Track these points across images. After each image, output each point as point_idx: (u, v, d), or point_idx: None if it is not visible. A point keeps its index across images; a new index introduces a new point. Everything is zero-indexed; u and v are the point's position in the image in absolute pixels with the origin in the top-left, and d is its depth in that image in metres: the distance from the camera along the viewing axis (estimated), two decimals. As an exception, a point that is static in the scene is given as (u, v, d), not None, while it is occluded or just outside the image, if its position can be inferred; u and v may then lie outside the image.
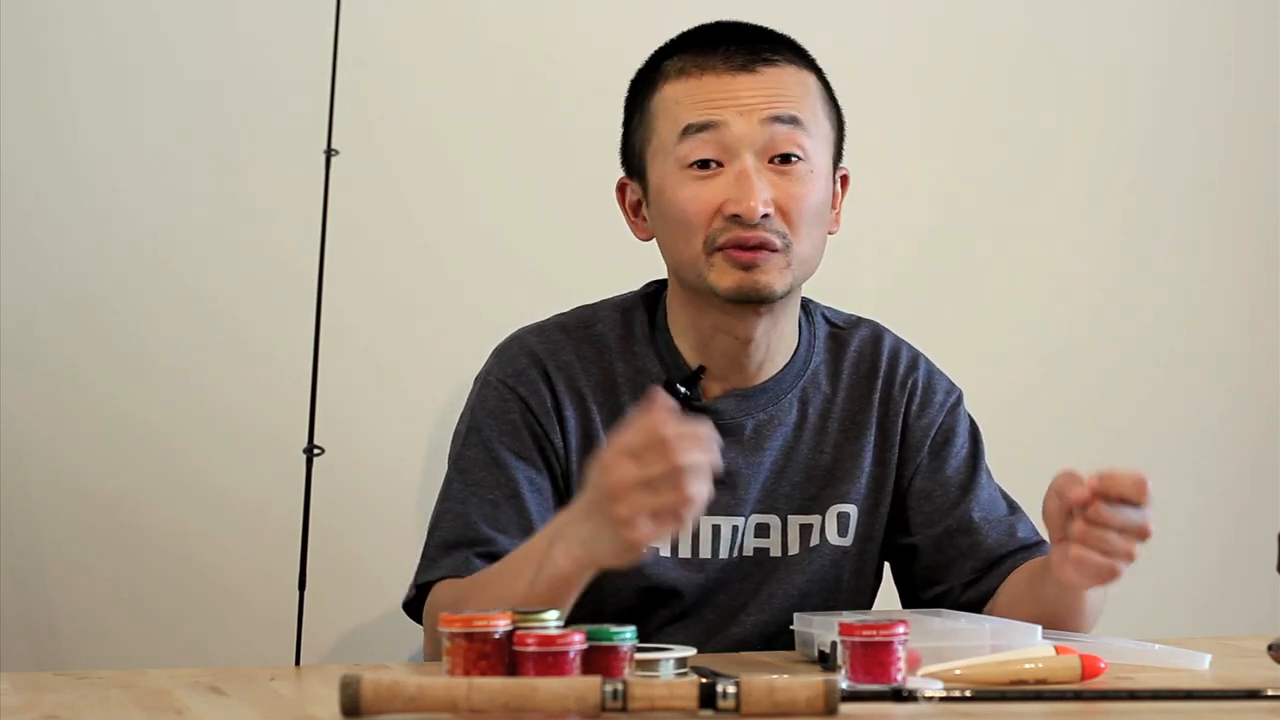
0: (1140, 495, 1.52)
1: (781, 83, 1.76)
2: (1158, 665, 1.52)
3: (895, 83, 2.65)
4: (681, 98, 1.76)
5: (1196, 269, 2.81)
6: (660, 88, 1.79)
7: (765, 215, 1.73)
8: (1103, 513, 1.53)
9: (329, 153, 2.17)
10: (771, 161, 1.75)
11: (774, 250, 1.73)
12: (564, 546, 1.51)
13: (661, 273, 1.89)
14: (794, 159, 1.75)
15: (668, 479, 1.41)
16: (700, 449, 1.42)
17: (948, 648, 1.48)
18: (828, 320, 1.92)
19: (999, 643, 1.51)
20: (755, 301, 1.76)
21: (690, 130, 1.74)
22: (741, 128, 1.73)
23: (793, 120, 1.75)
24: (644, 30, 1.94)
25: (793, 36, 1.83)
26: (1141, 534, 1.53)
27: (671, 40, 1.84)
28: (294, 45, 2.41)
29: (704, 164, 1.75)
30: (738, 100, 1.74)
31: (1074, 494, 1.53)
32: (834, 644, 1.44)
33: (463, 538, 1.76)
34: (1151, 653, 1.54)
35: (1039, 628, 1.55)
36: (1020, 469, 2.15)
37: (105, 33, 2.37)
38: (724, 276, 1.74)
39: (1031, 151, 2.74)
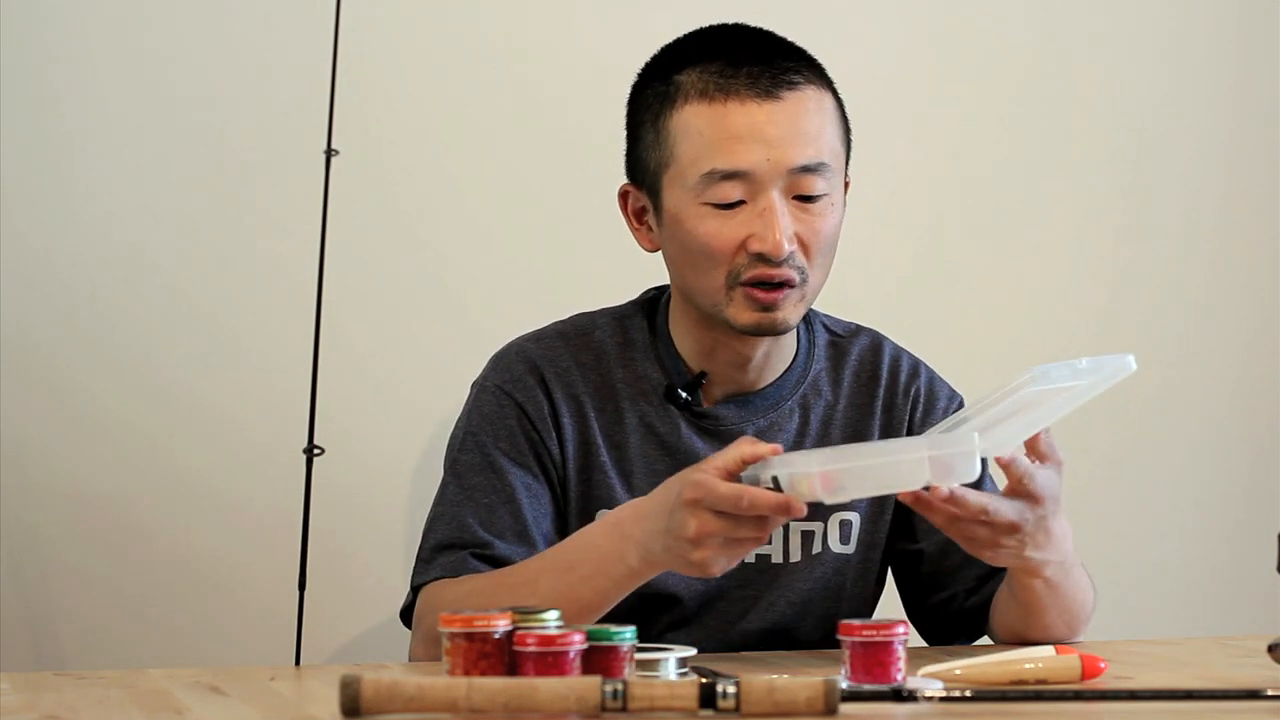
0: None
1: (805, 114, 1.73)
2: (1091, 388, 1.51)
3: (891, 84, 2.65)
4: (705, 128, 1.72)
5: (1196, 270, 2.81)
6: (679, 106, 1.74)
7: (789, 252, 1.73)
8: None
9: (329, 153, 2.17)
10: (794, 197, 1.74)
11: (793, 286, 1.74)
12: (637, 549, 1.57)
13: (659, 279, 1.89)
14: (816, 198, 1.74)
15: (751, 538, 1.50)
16: (791, 512, 1.46)
17: (876, 465, 1.45)
18: (827, 328, 1.92)
19: (935, 453, 1.45)
20: (770, 335, 1.79)
21: (716, 175, 1.71)
22: (768, 172, 1.71)
23: (818, 167, 1.73)
24: (645, 31, 1.93)
25: (800, 44, 1.80)
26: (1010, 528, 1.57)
27: (681, 44, 1.80)
28: (294, 45, 2.41)
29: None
30: (764, 138, 1.71)
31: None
32: (774, 478, 1.47)
33: (458, 540, 1.76)
34: (1078, 370, 1.53)
35: (1010, 435, 1.55)
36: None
37: (103, 34, 2.37)
38: (742, 313, 1.75)
39: (1031, 154, 2.74)
